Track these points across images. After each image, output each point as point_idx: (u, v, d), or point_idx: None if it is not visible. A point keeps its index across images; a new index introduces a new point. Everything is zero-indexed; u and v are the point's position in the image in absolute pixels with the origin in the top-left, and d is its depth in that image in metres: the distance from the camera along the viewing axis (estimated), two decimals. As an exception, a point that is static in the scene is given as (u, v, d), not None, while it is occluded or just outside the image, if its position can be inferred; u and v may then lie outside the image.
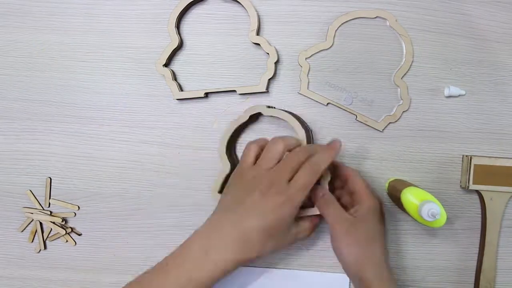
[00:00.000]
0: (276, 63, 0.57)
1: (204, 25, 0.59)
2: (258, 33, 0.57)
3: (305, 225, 0.52)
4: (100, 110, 0.60)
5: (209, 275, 0.47)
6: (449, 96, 0.58)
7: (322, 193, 0.52)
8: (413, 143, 0.58)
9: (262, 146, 0.52)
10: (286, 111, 0.56)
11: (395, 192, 0.53)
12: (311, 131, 0.58)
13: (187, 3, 0.57)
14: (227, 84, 0.58)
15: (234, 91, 0.57)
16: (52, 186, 0.60)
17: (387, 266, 0.51)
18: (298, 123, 0.54)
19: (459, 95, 0.58)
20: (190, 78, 0.59)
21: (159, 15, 0.59)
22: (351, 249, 0.50)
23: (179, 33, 0.58)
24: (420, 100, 0.58)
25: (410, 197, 0.50)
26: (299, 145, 0.52)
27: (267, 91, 0.58)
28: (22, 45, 0.60)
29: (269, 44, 0.56)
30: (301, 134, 0.54)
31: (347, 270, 0.51)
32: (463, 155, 0.58)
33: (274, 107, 0.57)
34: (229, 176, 0.54)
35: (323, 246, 0.59)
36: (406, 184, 0.53)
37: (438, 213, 0.47)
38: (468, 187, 0.56)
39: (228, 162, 0.56)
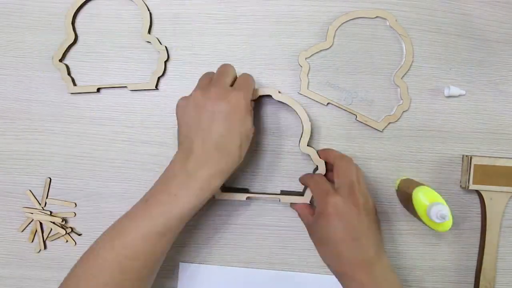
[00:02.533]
0: (166, 61, 0.59)
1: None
2: (149, 32, 0.59)
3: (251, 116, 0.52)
4: (100, 110, 0.60)
5: (197, 194, 0.47)
6: (449, 96, 0.58)
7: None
8: (413, 143, 0.58)
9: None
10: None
11: (406, 190, 0.53)
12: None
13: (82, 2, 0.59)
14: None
15: (125, 87, 0.59)
16: (52, 186, 0.60)
17: (378, 245, 0.50)
18: (306, 114, 0.55)
19: (459, 95, 0.58)
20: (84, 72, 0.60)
21: (159, 15, 0.59)
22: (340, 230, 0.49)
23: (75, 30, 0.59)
24: (420, 100, 0.58)
25: (421, 197, 0.50)
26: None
27: (156, 89, 0.59)
28: (22, 45, 0.60)
29: (160, 43, 0.58)
30: (307, 126, 0.54)
31: (330, 258, 0.51)
32: (463, 155, 0.58)
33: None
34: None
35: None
36: (419, 183, 0.53)
37: (447, 216, 0.47)
38: (468, 187, 0.56)
39: None
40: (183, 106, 0.50)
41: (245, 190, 0.58)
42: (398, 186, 0.57)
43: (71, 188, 0.60)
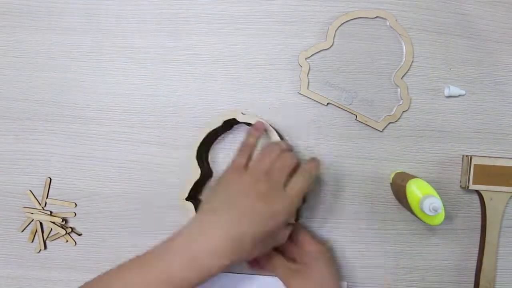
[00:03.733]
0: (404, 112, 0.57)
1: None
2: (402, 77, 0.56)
3: (287, 230, 0.50)
4: (100, 110, 0.60)
5: (196, 276, 0.44)
6: (449, 96, 0.58)
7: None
8: (413, 143, 0.58)
9: (252, 151, 0.51)
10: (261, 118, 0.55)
11: (400, 182, 0.53)
12: (286, 140, 0.58)
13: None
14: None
15: (355, 116, 0.57)
16: (52, 186, 0.60)
17: None
18: (275, 131, 0.55)
19: (459, 95, 0.58)
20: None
21: (159, 15, 0.59)
22: None
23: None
24: (420, 100, 0.58)
25: (415, 189, 0.50)
26: (291, 150, 0.52)
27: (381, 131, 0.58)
28: (22, 45, 0.60)
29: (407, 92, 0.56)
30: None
31: None
32: (463, 155, 0.58)
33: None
34: (197, 183, 0.55)
35: (338, 189, 0.59)
36: (413, 176, 0.53)
37: (439, 208, 0.47)
38: (468, 187, 0.56)
39: (198, 168, 0.55)
40: (234, 176, 0.48)
41: None
42: (392, 179, 0.57)
43: (71, 188, 0.60)
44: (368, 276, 0.59)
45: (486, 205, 0.56)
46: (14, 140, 0.60)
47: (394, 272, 0.59)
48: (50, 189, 0.60)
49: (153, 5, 0.59)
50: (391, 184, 0.57)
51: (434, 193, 0.49)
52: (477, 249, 0.58)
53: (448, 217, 0.58)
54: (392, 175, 0.57)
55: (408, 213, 0.57)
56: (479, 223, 0.58)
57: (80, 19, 0.60)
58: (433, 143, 0.58)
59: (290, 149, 0.51)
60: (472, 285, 0.58)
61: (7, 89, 0.60)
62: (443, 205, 0.48)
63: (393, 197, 0.58)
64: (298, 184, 0.47)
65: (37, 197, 0.60)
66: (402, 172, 0.57)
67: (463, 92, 0.58)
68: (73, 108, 0.60)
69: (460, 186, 0.58)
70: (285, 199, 0.46)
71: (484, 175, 0.55)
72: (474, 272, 0.58)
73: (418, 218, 0.51)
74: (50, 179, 0.60)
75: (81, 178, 0.60)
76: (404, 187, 0.51)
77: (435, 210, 0.47)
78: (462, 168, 0.58)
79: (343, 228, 0.59)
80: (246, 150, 0.50)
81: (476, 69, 0.58)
